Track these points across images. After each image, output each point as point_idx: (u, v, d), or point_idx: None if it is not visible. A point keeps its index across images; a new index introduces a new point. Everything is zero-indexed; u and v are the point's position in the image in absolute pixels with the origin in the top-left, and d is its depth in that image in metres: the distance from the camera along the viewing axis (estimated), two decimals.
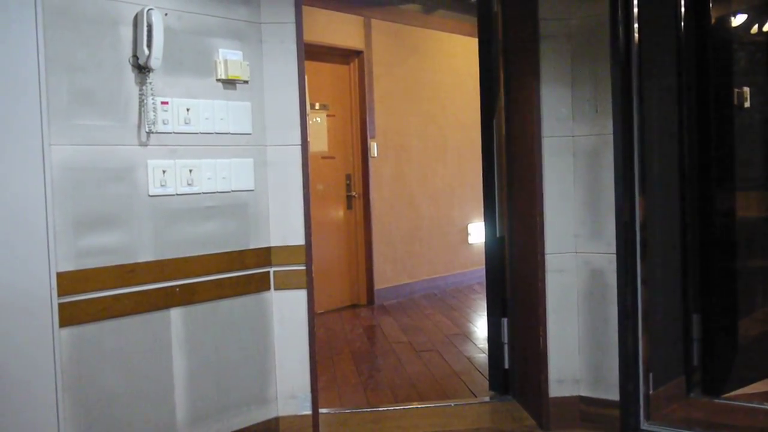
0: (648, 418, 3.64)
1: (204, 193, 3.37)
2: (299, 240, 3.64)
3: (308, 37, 4.00)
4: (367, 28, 7.36)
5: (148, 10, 3.07)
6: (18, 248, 2.77)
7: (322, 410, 3.91)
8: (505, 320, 4.25)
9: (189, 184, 3.31)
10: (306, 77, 3.67)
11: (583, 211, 3.76)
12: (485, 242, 4.41)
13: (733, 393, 4.03)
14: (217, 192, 3.42)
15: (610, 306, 3.67)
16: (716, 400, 3.98)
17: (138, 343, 3.15)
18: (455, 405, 4.21)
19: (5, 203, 2.73)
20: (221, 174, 3.42)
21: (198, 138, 3.35)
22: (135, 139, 3.13)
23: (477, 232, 8.32)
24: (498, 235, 4.30)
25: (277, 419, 3.66)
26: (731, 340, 4.18)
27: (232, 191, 3.48)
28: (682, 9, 3.96)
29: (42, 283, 2.83)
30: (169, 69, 3.22)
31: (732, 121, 4.18)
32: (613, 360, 3.66)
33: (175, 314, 3.28)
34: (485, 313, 4.50)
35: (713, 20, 4.05)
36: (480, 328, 6.17)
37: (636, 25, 3.55)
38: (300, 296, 3.66)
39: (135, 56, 3.10)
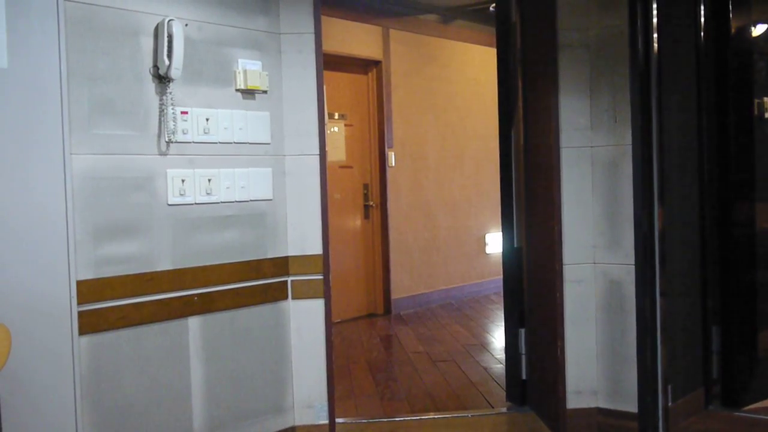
0: (666, 430, 3.61)
1: (222, 202, 3.39)
2: (317, 249, 3.65)
3: (327, 47, 4.02)
4: (386, 38, 7.38)
5: (169, 20, 3.10)
6: (39, 257, 2.79)
7: (338, 420, 3.91)
8: (522, 331, 4.24)
9: (208, 194, 3.33)
10: (324, 87, 3.69)
11: (602, 222, 3.75)
12: (503, 252, 4.40)
13: (752, 406, 3.99)
14: (236, 201, 3.44)
15: (629, 317, 3.65)
16: (736, 413, 3.94)
17: (156, 351, 3.17)
18: (472, 416, 4.19)
19: (27, 212, 2.76)
20: (240, 183, 3.44)
21: (217, 147, 3.37)
22: (155, 148, 3.16)
23: (494, 242, 8.30)
24: (516, 245, 4.29)
25: (293, 428, 3.66)
26: (751, 352, 4.14)
27: (251, 201, 3.49)
28: (702, 19, 3.94)
29: (62, 291, 2.85)
30: (188, 79, 3.25)
31: (752, 132, 4.15)
32: (631, 371, 3.64)
33: (193, 323, 3.30)
34: (502, 324, 4.49)
35: (733, 30, 4.03)
36: (497, 338, 6.15)
37: (655, 35, 3.54)
38: (317, 306, 3.66)
39: (155, 66, 3.13)
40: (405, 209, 7.53)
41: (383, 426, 4.07)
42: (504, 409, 4.29)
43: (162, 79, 3.15)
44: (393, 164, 7.39)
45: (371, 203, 7.34)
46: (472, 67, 8.26)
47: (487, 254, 8.48)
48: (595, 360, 3.79)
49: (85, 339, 2.93)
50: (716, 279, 4.04)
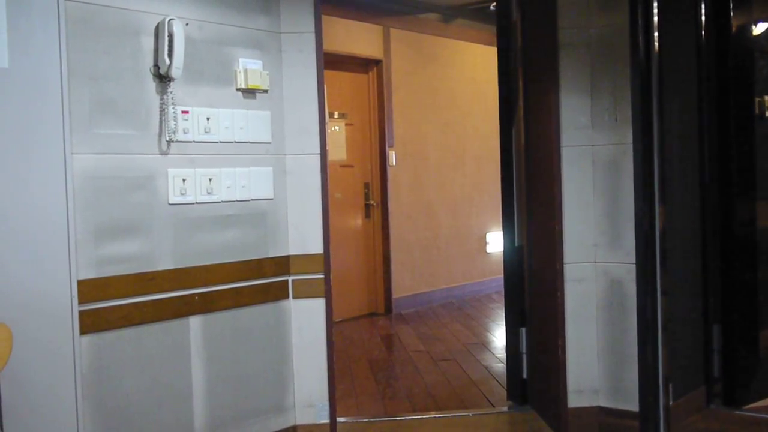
0: (668, 429, 3.61)
1: (223, 201, 3.39)
2: (318, 249, 3.65)
3: (327, 46, 4.01)
4: (386, 37, 7.37)
5: (170, 20, 3.10)
6: (40, 256, 2.79)
7: (339, 419, 3.91)
8: (523, 330, 4.24)
9: (209, 193, 3.33)
10: (325, 86, 3.69)
11: (603, 221, 3.75)
12: (504, 251, 4.40)
13: (753, 404, 3.99)
14: (237, 201, 3.44)
15: (630, 316, 3.65)
16: (737, 412, 3.94)
17: (157, 350, 3.17)
18: (473, 415, 4.19)
19: (28, 211, 2.76)
20: (240, 183, 3.44)
21: (218, 147, 3.37)
22: (156, 147, 3.16)
23: (495, 241, 8.30)
24: (516, 244, 4.29)
25: (294, 428, 3.66)
26: (752, 350, 4.14)
27: (252, 200, 3.49)
28: (703, 17, 3.94)
29: (63, 291, 2.85)
30: (189, 78, 3.25)
31: (753, 130, 4.14)
32: (632, 370, 3.63)
33: (194, 322, 3.30)
34: (503, 323, 4.49)
35: (734, 28, 4.03)
36: (498, 337, 6.15)
37: (656, 34, 3.54)
38: (318, 305, 3.66)
39: (156, 66, 3.13)
40: (406, 208, 7.53)
41: (384, 425, 4.07)
42: (505, 408, 4.29)
43: (163, 79, 3.15)
44: (394, 163, 7.38)
45: (372, 202, 7.34)
46: (473, 66, 8.25)
47: (488, 253, 8.47)
48: (596, 359, 3.79)
49: (86, 339, 2.94)
50: (717, 277, 4.04)
